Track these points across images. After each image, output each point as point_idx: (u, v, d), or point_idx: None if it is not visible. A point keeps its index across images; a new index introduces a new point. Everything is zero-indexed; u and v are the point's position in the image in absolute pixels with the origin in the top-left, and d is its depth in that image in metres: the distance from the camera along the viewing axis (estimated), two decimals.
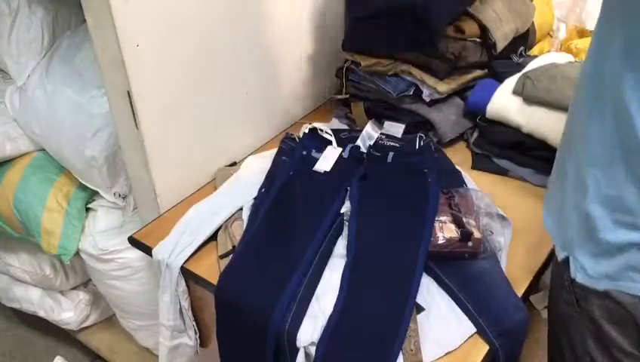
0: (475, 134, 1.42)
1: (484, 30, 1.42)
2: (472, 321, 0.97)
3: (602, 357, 0.92)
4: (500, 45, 1.46)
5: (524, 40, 1.59)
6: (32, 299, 1.77)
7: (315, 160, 1.29)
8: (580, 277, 0.88)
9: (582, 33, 1.77)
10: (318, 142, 1.35)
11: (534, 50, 1.68)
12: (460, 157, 1.38)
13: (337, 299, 1.00)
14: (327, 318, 0.97)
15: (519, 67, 1.42)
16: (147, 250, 1.16)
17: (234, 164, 1.38)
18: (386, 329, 0.94)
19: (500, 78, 1.40)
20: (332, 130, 1.39)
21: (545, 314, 1.62)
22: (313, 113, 1.62)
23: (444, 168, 1.29)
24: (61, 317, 1.76)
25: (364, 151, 1.32)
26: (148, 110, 1.12)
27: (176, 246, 1.12)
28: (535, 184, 1.30)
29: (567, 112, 0.90)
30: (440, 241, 1.06)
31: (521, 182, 1.32)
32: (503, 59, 1.51)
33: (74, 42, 1.44)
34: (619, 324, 0.88)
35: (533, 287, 1.09)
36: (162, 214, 1.24)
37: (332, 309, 0.98)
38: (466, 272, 1.04)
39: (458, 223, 1.08)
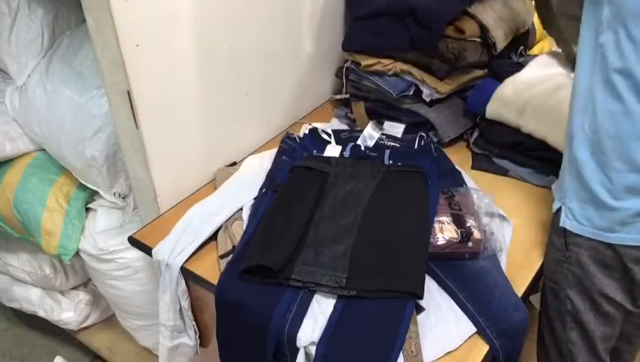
0: (475, 134, 1.42)
1: (484, 30, 1.42)
2: (472, 321, 0.97)
3: (583, 303, 1.00)
4: (500, 45, 1.46)
5: (524, 40, 1.58)
6: (32, 299, 1.77)
7: None
8: (568, 224, 0.97)
9: None
10: (318, 142, 1.35)
11: (534, 50, 1.68)
12: (459, 157, 1.38)
13: (337, 299, 1.00)
14: (327, 318, 0.97)
15: (519, 67, 1.42)
16: (147, 250, 1.16)
17: (234, 164, 1.38)
18: (386, 329, 0.94)
19: (500, 78, 1.40)
20: (332, 130, 1.39)
21: None
22: (313, 113, 1.62)
23: (444, 168, 1.29)
24: (61, 317, 1.76)
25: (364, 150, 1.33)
26: (148, 110, 1.12)
27: (176, 246, 1.12)
28: (535, 184, 1.30)
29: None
30: (440, 242, 1.06)
31: (521, 182, 1.32)
32: (503, 58, 1.51)
33: (74, 42, 1.44)
34: (606, 266, 0.96)
35: (533, 287, 1.10)
36: (162, 214, 1.24)
37: (332, 309, 0.98)
38: (466, 272, 1.04)
39: (458, 223, 1.08)
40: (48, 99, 1.41)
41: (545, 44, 1.75)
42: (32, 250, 1.69)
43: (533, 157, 1.31)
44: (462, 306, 0.99)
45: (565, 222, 0.99)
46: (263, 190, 1.23)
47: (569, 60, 1.34)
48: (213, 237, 1.15)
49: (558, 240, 1.02)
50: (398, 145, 1.35)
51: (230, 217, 1.17)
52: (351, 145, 1.33)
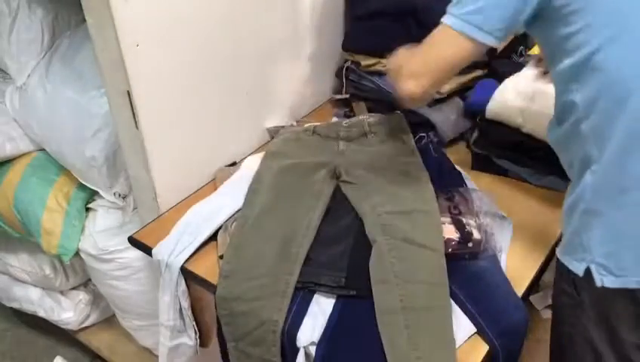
0: (475, 134, 1.42)
1: None
2: (472, 321, 0.97)
3: (603, 345, 0.92)
4: (500, 45, 1.46)
5: (524, 40, 1.58)
6: (32, 299, 1.77)
7: None
8: (608, 281, 0.87)
9: None
10: None
11: (534, 50, 1.68)
12: (459, 157, 1.38)
13: (337, 299, 1.00)
14: (326, 318, 0.97)
15: (519, 67, 1.42)
16: (147, 250, 1.16)
17: (234, 164, 1.38)
18: None
19: (500, 78, 1.40)
20: None
21: (545, 314, 1.62)
22: (313, 113, 1.62)
23: (444, 168, 1.29)
24: (61, 317, 1.76)
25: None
26: (148, 110, 1.12)
27: (176, 247, 1.12)
28: (535, 184, 1.30)
29: None
30: None
31: (521, 182, 1.32)
32: (503, 58, 1.50)
33: (74, 42, 1.44)
34: (619, 311, 0.89)
35: (533, 287, 1.10)
36: (162, 214, 1.24)
37: (332, 309, 0.98)
38: (466, 272, 1.04)
39: (458, 224, 1.08)
40: (48, 99, 1.41)
41: None
42: (32, 250, 1.68)
43: (534, 157, 1.30)
44: (462, 306, 0.99)
45: (604, 280, 0.88)
46: None
47: None
48: (213, 237, 1.15)
49: (568, 287, 0.94)
50: None
51: (230, 217, 1.17)
52: None
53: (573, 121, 0.87)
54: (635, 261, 0.85)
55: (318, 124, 1.34)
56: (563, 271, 0.94)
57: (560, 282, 0.97)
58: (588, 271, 0.88)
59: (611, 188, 0.85)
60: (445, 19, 0.89)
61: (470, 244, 1.05)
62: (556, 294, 1.00)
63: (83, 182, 1.49)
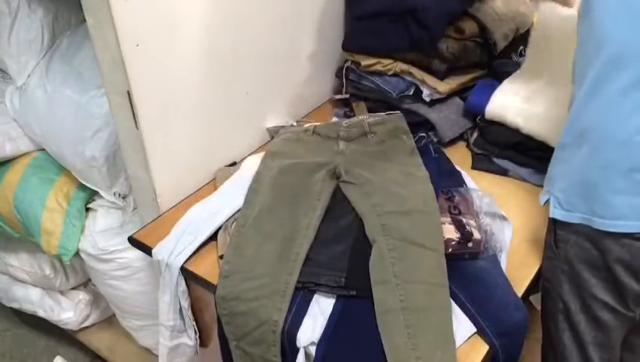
0: (475, 134, 1.42)
1: (484, 30, 1.42)
2: (472, 321, 0.97)
3: (574, 302, 0.99)
4: (500, 45, 1.46)
5: (524, 40, 1.58)
6: (32, 299, 1.77)
7: None
8: (557, 213, 0.97)
9: None
10: None
11: None
12: (459, 157, 1.38)
13: (337, 299, 1.00)
14: (326, 318, 0.97)
15: (519, 67, 1.42)
16: (147, 250, 1.16)
17: (234, 164, 1.38)
18: None
19: (500, 78, 1.40)
20: None
21: None
22: (313, 113, 1.62)
23: (444, 168, 1.29)
24: (61, 317, 1.76)
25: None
26: (148, 110, 1.12)
27: (176, 246, 1.12)
28: (535, 184, 1.29)
29: None
30: None
31: (521, 182, 1.32)
32: (503, 58, 1.51)
33: (74, 42, 1.44)
34: (592, 266, 0.95)
35: (533, 287, 1.10)
36: (162, 214, 1.24)
37: (332, 309, 0.98)
38: (466, 272, 1.04)
39: (458, 224, 1.08)
40: (48, 99, 1.41)
41: None
42: (32, 250, 1.69)
43: (534, 157, 1.31)
44: (462, 306, 0.99)
45: (554, 212, 0.99)
46: None
47: None
48: (213, 237, 1.15)
49: (548, 236, 1.02)
50: None
51: (230, 217, 1.17)
52: None
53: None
54: (581, 201, 0.93)
55: (318, 124, 1.34)
56: (549, 223, 1.02)
57: (546, 237, 1.04)
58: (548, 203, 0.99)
59: (575, 128, 0.93)
60: None
61: (470, 244, 1.05)
62: (544, 252, 1.06)
63: (83, 182, 1.49)
